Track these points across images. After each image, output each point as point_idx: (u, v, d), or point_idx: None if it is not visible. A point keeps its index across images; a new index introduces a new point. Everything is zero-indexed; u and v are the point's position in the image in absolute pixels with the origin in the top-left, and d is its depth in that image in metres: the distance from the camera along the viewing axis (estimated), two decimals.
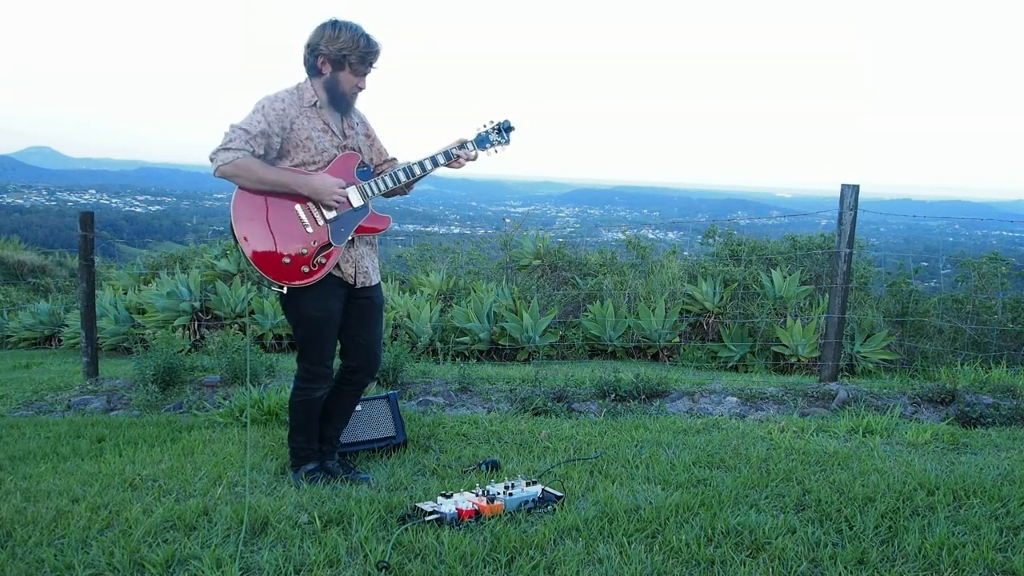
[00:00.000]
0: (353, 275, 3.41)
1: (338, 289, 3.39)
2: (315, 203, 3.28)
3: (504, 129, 3.53)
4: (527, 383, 5.57)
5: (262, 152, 3.22)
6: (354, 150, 3.43)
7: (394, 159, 3.61)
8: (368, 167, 3.48)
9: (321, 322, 3.36)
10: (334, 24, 3.26)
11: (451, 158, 3.47)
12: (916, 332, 7.61)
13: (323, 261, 3.28)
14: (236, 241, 3.20)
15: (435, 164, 3.46)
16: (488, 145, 3.53)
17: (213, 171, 3.18)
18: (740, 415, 4.98)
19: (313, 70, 3.33)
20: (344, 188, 3.30)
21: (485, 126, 3.52)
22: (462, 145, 3.48)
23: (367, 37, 3.27)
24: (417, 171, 3.44)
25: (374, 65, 3.36)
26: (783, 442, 4.07)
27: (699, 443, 4.06)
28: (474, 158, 3.51)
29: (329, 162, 3.33)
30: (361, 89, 3.38)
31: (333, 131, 3.38)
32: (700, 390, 5.47)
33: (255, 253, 3.19)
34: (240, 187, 3.20)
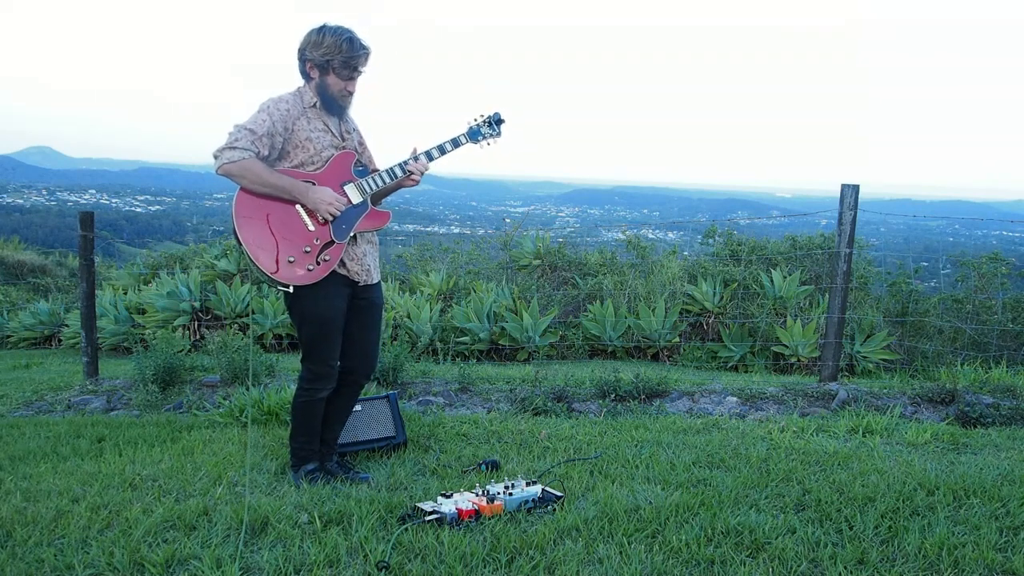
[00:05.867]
0: (359, 272, 3.43)
1: (343, 288, 3.40)
2: None
3: (495, 122, 3.58)
4: (527, 383, 5.57)
5: (266, 153, 3.24)
6: (351, 150, 3.45)
7: (378, 170, 3.64)
8: (365, 166, 3.50)
9: (327, 321, 3.37)
10: (320, 29, 3.29)
11: (430, 156, 3.50)
12: (916, 332, 7.61)
13: (327, 259, 3.30)
14: (239, 242, 3.20)
15: (428, 159, 3.50)
16: (480, 138, 3.57)
17: (216, 168, 3.18)
18: (740, 415, 4.98)
19: (304, 75, 3.37)
20: (341, 200, 3.31)
21: (476, 120, 3.57)
22: (440, 147, 3.53)
23: (351, 41, 3.28)
24: (412, 165, 3.47)
25: (361, 69, 3.36)
26: (783, 442, 4.07)
27: (699, 443, 4.06)
28: (425, 169, 3.50)
29: (327, 161, 3.35)
30: (351, 93, 3.39)
31: (332, 132, 3.40)
32: (700, 390, 5.47)
33: (259, 253, 3.20)
34: (241, 187, 3.21)
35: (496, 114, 3.58)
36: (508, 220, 13.41)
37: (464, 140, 3.56)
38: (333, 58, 3.27)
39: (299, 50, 3.33)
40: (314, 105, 3.36)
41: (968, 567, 2.56)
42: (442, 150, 3.52)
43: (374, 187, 3.41)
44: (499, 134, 3.59)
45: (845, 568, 2.55)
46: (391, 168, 3.46)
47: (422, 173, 3.50)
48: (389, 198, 3.68)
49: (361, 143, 3.59)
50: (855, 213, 5.50)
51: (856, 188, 5.53)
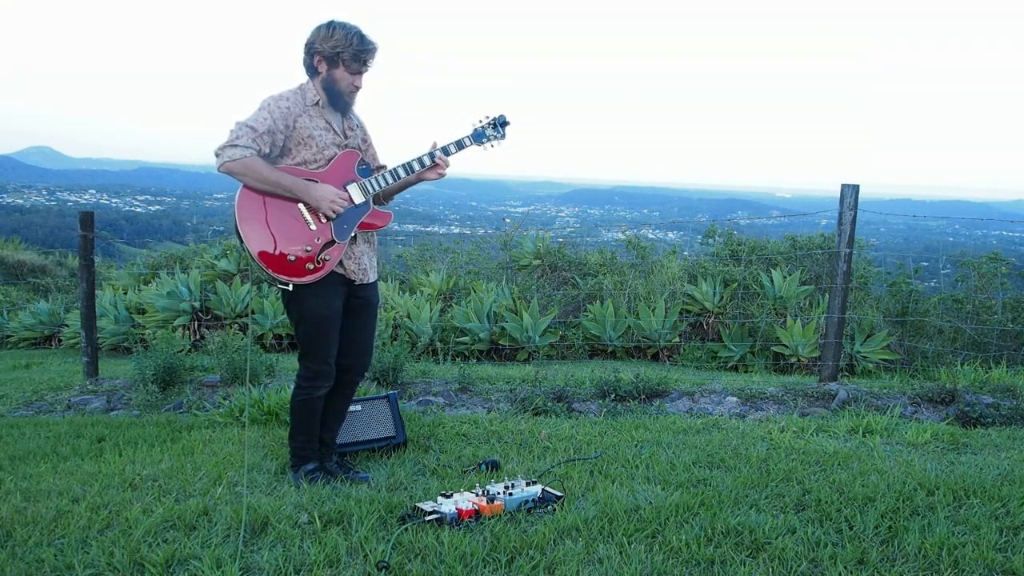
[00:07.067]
0: (356, 271, 3.44)
1: (340, 287, 3.41)
2: None
3: (500, 124, 3.58)
4: (527, 383, 5.57)
5: (267, 150, 3.24)
6: (354, 149, 3.46)
7: (384, 166, 3.65)
8: (368, 165, 3.51)
9: (324, 319, 3.37)
10: (329, 24, 3.31)
11: (433, 158, 3.50)
12: (916, 332, 7.61)
13: (327, 258, 3.31)
14: (241, 240, 3.21)
15: (422, 165, 3.50)
16: (485, 140, 3.58)
17: (217, 166, 3.19)
18: (740, 415, 4.98)
19: (311, 70, 3.37)
20: (343, 196, 3.32)
21: (481, 121, 3.58)
22: (444, 149, 3.52)
23: (360, 35, 3.31)
24: (416, 166, 3.48)
25: (369, 64, 3.38)
26: (783, 442, 4.07)
27: (699, 443, 4.06)
28: (447, 165, 3.53)
29: (330, 160, 3.36)
30: (358, 88, 3.41)
31: (335, 130, 3.41)
32: (700, 390, 5.47)
33: (260, 251, 3.21)
34: (244, 185, 3.21)
35: (501, 116, 3.58)
36: (508, 220, 13.41)
37: (468, 142, 3.56)
38: (344, 51, 3.29)
39: (307, 44, 3.34)
40: (316, 103, 3.36)
41: (968, 567, 2.56)
42: (446, 152, 3.53)
43: (377, 187, 3.42)
44: (503, 136, 3.59)
45: (845, 568, 2.55)
46: (394, 168, 3.46)
47: (447, 166, 3.51)
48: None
49: (365, 140, 3.59)
50: (855, 213, 5.50)
51: (856, 188, 5.53)
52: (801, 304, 7.82)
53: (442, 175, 3.53)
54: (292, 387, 3.73)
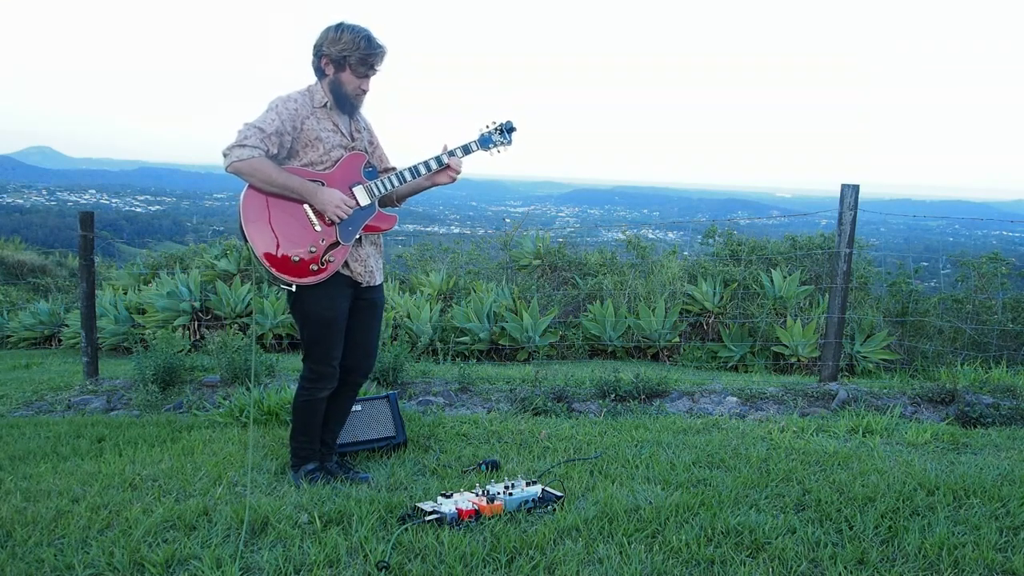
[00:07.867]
0: (362, 273, 3.44)
1: (345, 289, 3.41)
2: None
3: (507, 130, 3.58)
4: (527, 383, 5.57)
5: (275, 151, 3.25)
6: (361, 151, 3.46)
7: (394, 168, 3.65)
8: (374, 167, 3.51)
9: (329, 321, 3.38)
10: (338, 26, 3.31)
11: (440, 162, 3.49)
12: (916, 332, 7.61)
13: (332, 259, 3.31)
14: (246, 240, 3.21)
15: (428, 169, 3.49)
16: (491, 145, 3.58)
17: (225, 166, 3.19)
18: (740, 415, 4.98)
19: (319, 72, 3.38)
20: (350, 202, 3.32)
21: (488, 127, 3.58)
22: (451, 153, 3.51)
23: (368, 39, 3.30)
24: (423, 170, 3.47)
25: (377, 68, 3.38)
26: (783, 442, 4.07)
27: (699, 443, 4.06)
28: (459, 166, 3.53)
29: (336, 161, 3.36)
30: (365, 92, 3.41)
31: (342, 132, 3.41)
32: (700, 390, 5.47)
33: (265, 252, 3.21)
34: (250, 185, 3.22)
35: (508, 122, 3.59)
36: (508, 220, 13.42)
37: (475, 147, 3.57)
38: (351, 55, 3.28)
39: (315, 46, 3.34)
40: (324, 105, 3.37)
41: (968, 567, 2.56)
42: (452, 155, 3.53)
43: (382, 190, 3.42)
44: (510, 142, 3.60)
45: (845, 568, 2.55)
46: (400, 172, 3.47)
47: (459, 169, 3.51)
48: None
49: (371, 142, 3.59)
50: (855, 213, 5.50)
51: (856, 188, 5.53)
52: (801, 304, 7.82)
53: (454, 179, 3.52)
54: (293, 387, 3.73)
